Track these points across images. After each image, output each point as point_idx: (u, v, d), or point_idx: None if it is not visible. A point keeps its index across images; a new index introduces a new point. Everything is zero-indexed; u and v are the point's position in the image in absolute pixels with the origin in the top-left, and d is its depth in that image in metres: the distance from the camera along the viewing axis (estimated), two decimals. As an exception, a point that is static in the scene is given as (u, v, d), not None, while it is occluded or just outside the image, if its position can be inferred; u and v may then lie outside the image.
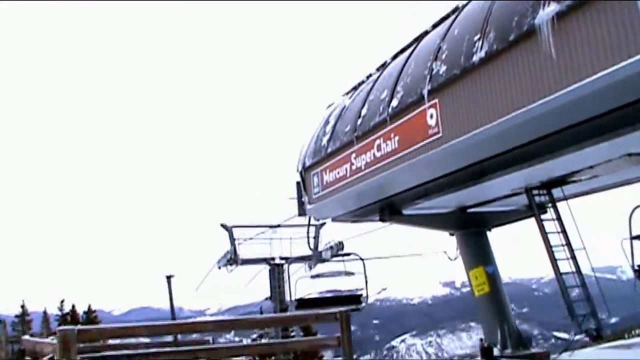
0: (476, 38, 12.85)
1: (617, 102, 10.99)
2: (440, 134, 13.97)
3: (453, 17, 15.04)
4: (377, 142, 16.34)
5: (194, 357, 8.42)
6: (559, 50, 10.85)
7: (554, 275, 15.64)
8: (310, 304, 19.88)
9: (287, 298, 31.98)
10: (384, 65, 18.59)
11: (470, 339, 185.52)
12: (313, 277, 23.56)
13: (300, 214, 22.08)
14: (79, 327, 8.10)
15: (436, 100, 14.08)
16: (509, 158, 13.76)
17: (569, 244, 15.85)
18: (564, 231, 16.03)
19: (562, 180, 15.78)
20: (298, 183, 21.90)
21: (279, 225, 33.09)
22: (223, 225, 32.66)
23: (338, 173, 18.36)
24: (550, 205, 16.36)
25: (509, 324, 18.13)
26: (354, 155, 17.46)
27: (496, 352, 17.16)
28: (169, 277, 31.47)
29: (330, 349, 7.46)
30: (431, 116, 14.23)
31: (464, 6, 14.94)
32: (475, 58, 12.67)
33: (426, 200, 17.35)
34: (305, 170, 20.41)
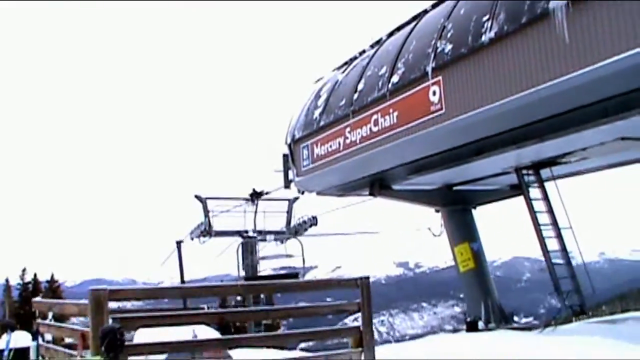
0: (485, 19, 13.17)
1: (622, 88, 11.47)
2: (443, 111, 14.30)
3: (458, -4, 15.31)
4: (375, 116, 16.61)
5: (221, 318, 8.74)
6: (571, 34, 11.24)
7: (542, 254, 16.22)
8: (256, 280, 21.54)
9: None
10: (379, 42, 18.81)
11: (422, 319, 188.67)
12: (261, 258, 26.37)
13: (286, 186, 22.28)
14: (111, 287, 8.22)
15: (440, 78, 14.39)
16: (508, 137, 14.20)
17: (555, 223, 16.42)
18: (550, 210, 16.60)
19: (552, 161, 16.29)
20: (285, 155, 22.07)
21: (252, 199, 33.17)
22: (197, 197, 32.50)
23: (330, 146, 18.58)
24: (537, 185, 16.89)
25: (492, 299, 18.73)
26: (348, 129, 17.69)
27: (480, 325, 17.71)
28: (178, 243, 31.80)
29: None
30: (434, 93, 14.55)
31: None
32: (485, 38, 13.00)
33: (418, 176, 17.72)
34: (294, 143, 20.57)
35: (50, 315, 10.61)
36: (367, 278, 9.91)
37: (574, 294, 16.00)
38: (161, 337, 8.96)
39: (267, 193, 32.36)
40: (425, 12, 16.90)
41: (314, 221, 32.48)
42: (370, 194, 19.25)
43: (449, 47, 14.10)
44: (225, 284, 8.81)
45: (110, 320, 8.25)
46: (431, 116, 14.63)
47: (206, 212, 32.19)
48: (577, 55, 11.24)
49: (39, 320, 11.19)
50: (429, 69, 14.56)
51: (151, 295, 9.37)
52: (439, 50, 14.41)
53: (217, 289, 8.88)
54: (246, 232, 32.87)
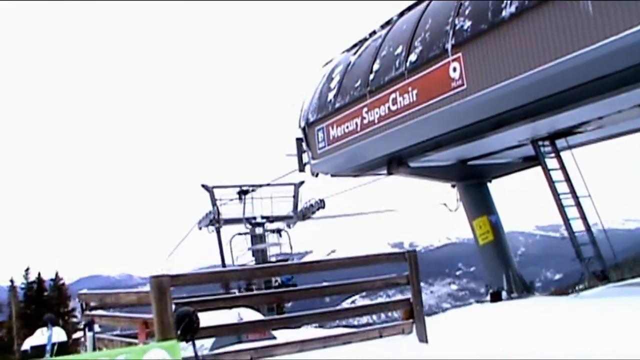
0: (505, -7, 13.45)
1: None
2: (464, 86, 14.61)
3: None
4: (393, 95, 16.89)
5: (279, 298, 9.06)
6: (595, 5, 11.55)
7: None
8: None
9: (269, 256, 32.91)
10: (389, 23, 19.07)
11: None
12: (249, 249, 28.24)
13: (301, 170, 22.55)
14: (172, 273, 8.44)
15: (460, 54, 14.69)
16: (528, 109, 14.54)
17: (573, 191, 16.80)
18: (568, 179, 16.96)
19: (568, 131, 16.64)
20: (299, 139, 22.33)
21: (259, 185, 33.45)
22: (204, 186, 32.74)
23: (347, 127, 18.86)
24: (553, 155, 17.24)
25: (513, 270, 19.15)
26: (365, 109, 17.98)
27: (504, 296, 18.13)
28: (218, 230, 31.65)
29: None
30: (454, 69, 14.85)
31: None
32: (505, 13, 13.31)
33: (436, 153, 18.03)
34: (308, 126, 20.83)
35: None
36: (414, 251, 10.22)
37: (596, 260, 16.40)
38: (208, 320, 9.23)
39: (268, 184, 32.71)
40: (437, -10, 17.13)
41: (321, 204, 32.80)
42: (389, 173, 19.56)
43: (468, 23, 14.39)
44: (279, 264, 9.05)
45: (174, 306, 8.39)
46: (453, 92, 14.93)
47: (213, 200, 32.45)
48: (602, 25, 11.56)
49: (87, 312, 11.36)
50: (448, 46, 14.85)
51: (213, 279, 9.59)
52: (457, 27, 14.70)
53: (273, 269, 9.17)
54: (254, 218, 33.16)
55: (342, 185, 28.71)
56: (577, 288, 16.44)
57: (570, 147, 17.20)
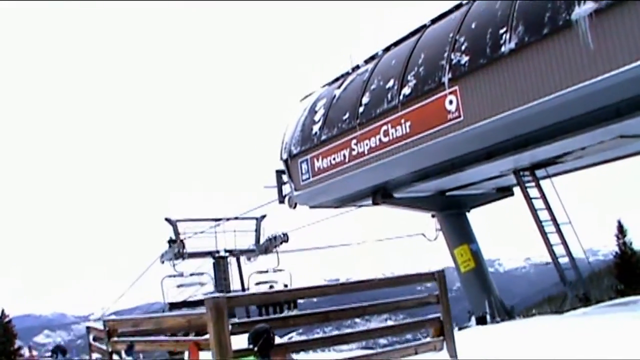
0: (502, 31, 14.33)
1: (632, 92, 12.76)
2: (461, 118, 15.34)
3: (461, 12, 16.45)
4: (384, 127, 17.52)
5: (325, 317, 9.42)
6: (596, 41, 12.47)
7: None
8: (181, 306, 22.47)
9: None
10: (374, 57, 19.81)
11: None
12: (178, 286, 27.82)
13: (281, 202, 22.91)
14: (228, 294, 8.70)
15: (456, 87, 15.45)
16: (522, 140, 15.36)
17: (554, 218, 17.64)
18: (548, 207, 17.81)
19: (549, 162, 17.51)
20: (279, 171, 22.74)
21: (222, 219, 33.60)
22: (168, 219, 32.64)
23: (334, 159, 19.37)
24: (534, 184, 18.09)
25: (494, 295, 19.85)
26: (354, 140, 18.54)
27: (488, 320, 18.77)
28: (238, 258, 32.24)
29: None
30: (450, 102, 15.59)
31: (471, 3, 16.39)
32: (505, 49, 14.14)
33: (423, 183, 18.68)
34: (291, 158, 21.23)
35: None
36: (443, 271, 10.71)
37: (578, 283, 17.24)
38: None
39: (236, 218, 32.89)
40: (425, 27, 17.99)
41: (284, 238, 33.05)
42: (374, 203, 20.08)
43: (466, 58, 15.18)
44: (327, 285, 9.29)
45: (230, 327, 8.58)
46: (449, 124, 15.64)
47: (177, 234, 32.34)
48: (602, 61, 12.47)
49: (115, 339, 11.29)
50: (445, 79, 15.60)
51: (262, 300, 9.78)
52: (454, 62, 15.47)
53: (319, 289, 9.48)
54: (217, 252, 33.18)
55: (307, 218, 29.30)
56: (562, 309, 17.19)
57: (549, 176, 18.09)
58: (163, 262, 33.05)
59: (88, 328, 14.17)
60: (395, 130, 17.20)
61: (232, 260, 33.53)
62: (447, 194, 21.08)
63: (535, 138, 15.07)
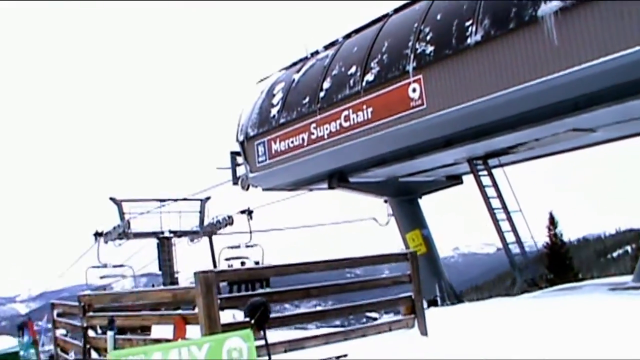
0: (468, 24, 14.82)
1: (597, 87, 13.43)
2: (424, 106, 15.80)
3: (425, 3, 16.89)
4: (345, 112, 17.85)
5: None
6: (560, 38, 13.09)
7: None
8: None
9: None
10: (334, 44, 20.11)
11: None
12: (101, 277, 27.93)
13: (234, 183, 23.01)
14: (217, 269, 8.88)
15: (420, 76, 15.89)
16: (482, 130, 15.93)
17: (505, 206, 18.38)
18: (500, 196, 18.54)
19: (503, 151, 18.20)
20: (233, 153, 22.85)
21: (166, 200, 33.52)
22: (112, 199, 32.33)
23: (292, 142, 19.60)
24: (486, 173, 18.78)
25: (444, 279, 20.55)
26: (314, 124, 18.81)
27: (439, 303, 19.44)
28: (210, 236, 31.27)
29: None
30: (414, 90, 16.03)
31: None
32: (470, 41, 14.64)
33: (380, 169, 19.13)
34: (247, 140, 21.36)
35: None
36: (415, 253, 11.16)
37: (526, 268, 18.06)
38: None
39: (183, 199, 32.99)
40: (388, 15, 18.37)
41: (229, 220, 33.22)
42: (330, 187, 20.43)
43: (431, 48, 15.62)
44: (316, 262, 9.49)
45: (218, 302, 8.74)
46: (412, 111, 16.08)
47: (122, 214, 32.05)
48: (565, 56, 13.09)
49: (91, 314, 11.28)
50: (409, 68, 16.02)
51: (252, 276, 9.97)
52: (418, 51, 15.90)
53: (304, 266, 9.74)
54: (162, 232, 33.05)
55: (253, 201, 29.58)
56: (513, 293, 18.00)
57: (501, 165, 18.81)
58: (107, 242, 32.71)
59: (52, 304, 14.12)
60: (357, 116, 17.54)
61: (176, 241, 33.60)
62: (400, 179, 21.60)
63: (494, 128, 15.66)
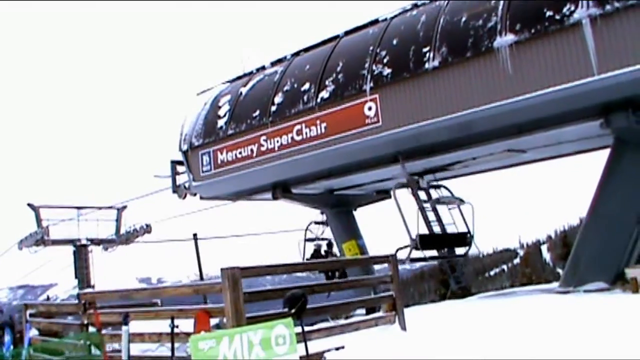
0: (425, 50, 16.23)
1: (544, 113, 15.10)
2: (379, 124, 17.04)
3: (379, 27, 18.22)
4: (298, 127, 18.82)
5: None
6: (514, 67, 14.70)
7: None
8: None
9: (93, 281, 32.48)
10: (282, 61, 21.09)
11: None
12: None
13: (174, 191, 23.38)
14: (242, 265, 9.50)
15: (376, 96, 17.14)
16: (427, 148, 17.33)
17: (439, 219, 19.87)
18: (434, 209, 20.02)
19: (441, 168, 19.68)
20: (174, 162, 23.26)
21: (84, 207, 33.25)
22: (30, 205, 31.68)
23: (240, 153, 20.33)
24: (423, 188, 20.20)
25: (379, 288, 21.71)
26: (264, 137, 19.65)
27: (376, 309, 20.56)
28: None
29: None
30: (369, 108, 17.25)
31: (389, 19, 18.22)
32: (428, 65, 16.04)
33: (325, 181, 20.19)
34: (191, 149, 21.85)
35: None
36: (395, 255, 12.30)
37: (461, 276, 19.62)
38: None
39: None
40: (339, 37, 19.57)
41: (147, 228, 33.34)
42: (274, 197, 21.25)
43: (388, 70, 16.91)
44: (331, 259, 10.29)
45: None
46: (367, 127, 17.27)
47: (39, 220, 31.45)
48: (518, 84, 14.70)
49: (91, 311, 11.57)
50: (366, 87, 17.23)
51: (281, 271, 10.58)
52: (375, 72, 17.15)
53: (326, 264, 10.60)
54: (79, 240, 32.65)
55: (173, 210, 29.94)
56: (447, 298, 19.47)
57: (437, 180, 20.31)
58: (21, 249, 31.95)
59: (26, 305, 14.18)
60: (310, 130, 18.53)
61: (93, 249, 33.24)
62: (335, 193, 22.74)
63: (444, 146, 17.08)
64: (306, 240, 22.60)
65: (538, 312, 12.92)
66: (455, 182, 21.51)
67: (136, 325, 10.99)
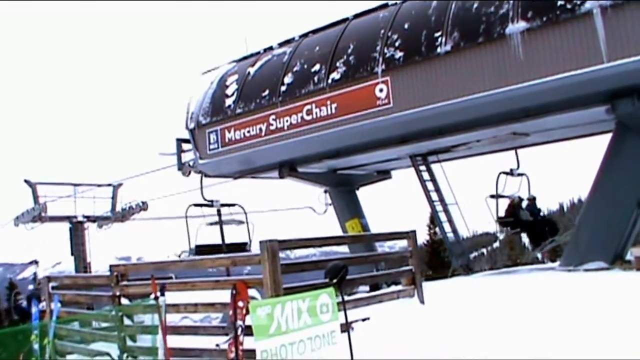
0: (437, 34, 16.74)
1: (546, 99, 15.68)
2: (390, 105, 17.56)
3: (389, 12, 18.68)
4: (308, 107, 19.28)
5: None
6: (525, 54, 15.26)
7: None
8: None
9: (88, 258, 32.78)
10: (289, 42, 21.49)
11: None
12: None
13: (179, 169, 23.78)
14: (279, 238, 9.98)
15: (387, 78, 17.63)
16: (436, 130, 17.89)
17: (442, 199, 20.51)
18: (437, 189, 20.64)
19: (445, 149, 20.26)
20: (179, 140, 23.64)
21: (80, 184, 33.53)
22: (27, 181, 31.85)
23: (248, 132, 20.75)
24: (426, 169, 20.81)
25: (381, 266, 22.32)
26: (273, 116, 20.08)
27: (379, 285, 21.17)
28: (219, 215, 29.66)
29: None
30: (381, 90, 17.75)
31: (400, 3, 18.68)
32: (440, 50, 16.56)
33: (330, 161, 20.70)
34: (198, 128, 22.23)
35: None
36: (414, 231, 12.84)
37: (461, 255, 20.26)
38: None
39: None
40: (348, 20, 20.01)
41: (143, 206, 33.67)
42: (280, 176, 21.72)
43: (400, 54, 17.40)
44: (345, 235, 10.78)
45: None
46: (377, 109, 17.78)
47: (35, 197, 31.62)
48: (528, 70, 15.27)
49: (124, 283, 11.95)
50: (378, 70, 17.72)
51: (320, 244, 11.01)
52: (387, 55, 17.64)
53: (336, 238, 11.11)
54: (75, 217, 32.90)
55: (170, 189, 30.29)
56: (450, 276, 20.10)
57: (439, 162, 20.90)
58: (17, 225, 32.13)
59: (48, 277, 14.53)
60: (320, 110, 19.00)
61: (89, 226, 33.52)
62: (338, 172, 23.27)
63: (452, 128, 17.61)
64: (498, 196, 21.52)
65: (547, 287, 13.59)
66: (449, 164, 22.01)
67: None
